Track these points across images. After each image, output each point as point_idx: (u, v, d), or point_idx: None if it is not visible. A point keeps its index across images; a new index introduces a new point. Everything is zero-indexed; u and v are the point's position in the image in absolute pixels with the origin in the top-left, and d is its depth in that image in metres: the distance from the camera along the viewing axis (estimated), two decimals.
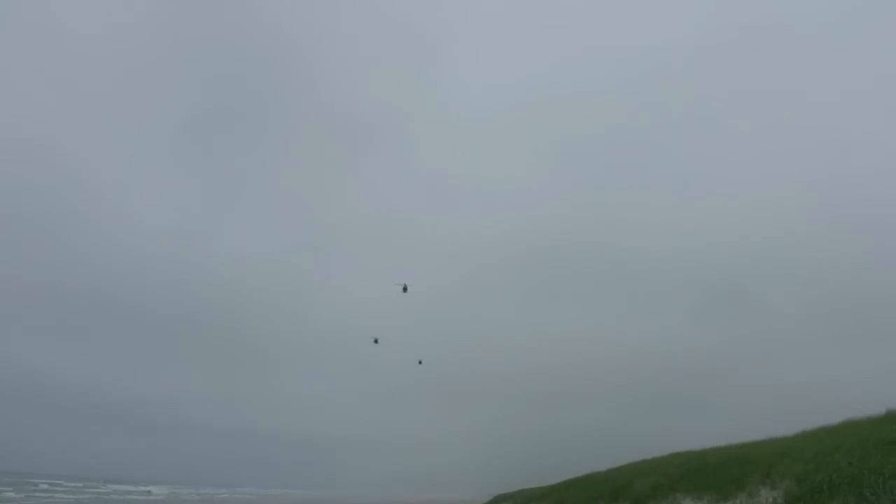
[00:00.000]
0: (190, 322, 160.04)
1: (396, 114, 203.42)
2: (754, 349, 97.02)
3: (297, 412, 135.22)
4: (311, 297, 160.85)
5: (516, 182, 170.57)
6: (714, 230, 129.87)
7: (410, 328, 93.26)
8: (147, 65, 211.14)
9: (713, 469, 24.50)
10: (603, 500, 31.80)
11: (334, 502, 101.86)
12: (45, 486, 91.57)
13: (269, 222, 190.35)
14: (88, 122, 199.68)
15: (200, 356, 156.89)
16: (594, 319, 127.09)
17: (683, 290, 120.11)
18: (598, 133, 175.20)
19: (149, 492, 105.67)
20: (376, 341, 62.23)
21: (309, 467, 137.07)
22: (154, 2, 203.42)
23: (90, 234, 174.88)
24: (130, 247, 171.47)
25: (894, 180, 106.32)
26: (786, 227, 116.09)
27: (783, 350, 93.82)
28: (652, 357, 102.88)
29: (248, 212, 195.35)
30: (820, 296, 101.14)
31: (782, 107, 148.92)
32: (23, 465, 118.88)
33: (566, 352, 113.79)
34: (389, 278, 56.80)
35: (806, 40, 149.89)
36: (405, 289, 54.98)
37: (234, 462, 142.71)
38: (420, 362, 67.76)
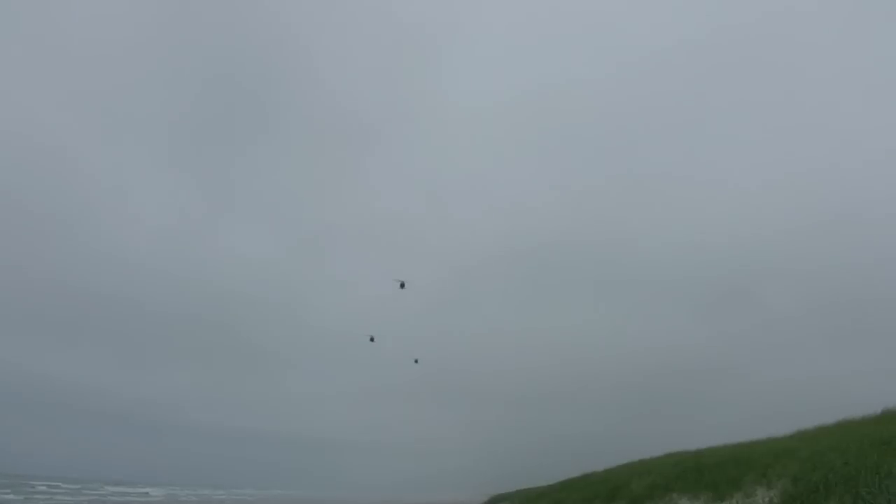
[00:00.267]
0: (188, 322, 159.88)
1: (394, 114, 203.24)
2: (750, 348, 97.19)
3: (296, 413, 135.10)
4: (310, 297, 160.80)
5: (513, 182, 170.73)
6: (709, 228, 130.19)
7: (408, 328, 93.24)
8: (146, 64, 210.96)
9: (709, 469, 24.46)
10: (599, 501, 31.75)
11: None
12: (42, 488, 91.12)
13: (267, 222, 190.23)
14: (86, 122, 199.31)
15: (199, 357, 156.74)
16: (591, 319, 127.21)
17: (679, 289, 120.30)
18: (595, 132, 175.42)
19: (146, 493, 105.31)
20: (372, 339, 61.91)
21: (307, 468, 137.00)
22: (153, 3, 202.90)
23: (88, 234, 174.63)
24: (129, 246, 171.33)
25: (890, 176, 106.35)
26: (781, 225, 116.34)
27: (779, 349, 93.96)
28: (648, 356, 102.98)
29: (246, 212, 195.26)
30: (815, 294, 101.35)
31: (780, 104, 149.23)
32: (19, 467, 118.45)
33: (563, 351, 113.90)
34: (387, 278, 56.20)
35: (803, 36, 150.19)
36: (402, 285, 54.44)
37: (232, 463, 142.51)
38: (416, 361, 67.46)
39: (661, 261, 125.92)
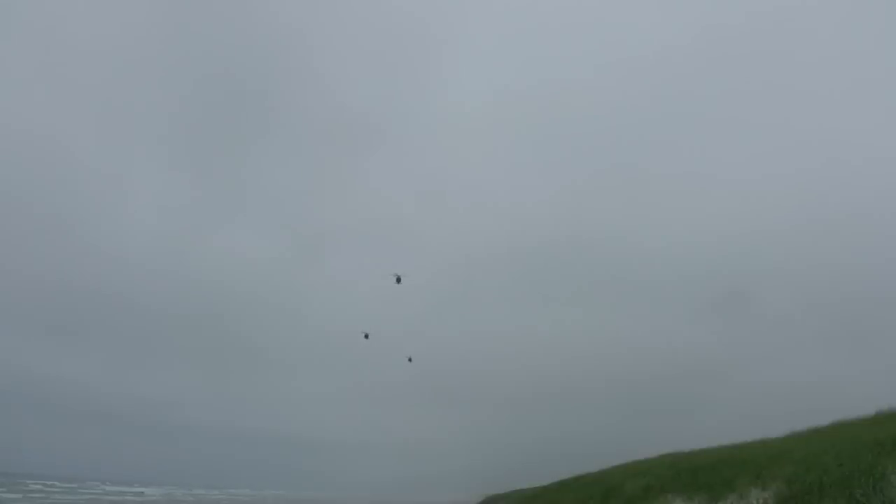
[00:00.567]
0: (185, 322, 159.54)
1: (394, 115, 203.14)
2: (745, 349, 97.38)
3: (293, 412, 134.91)
4: (308, 297, 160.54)
5: (510, 182, 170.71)
6: (704, 230, 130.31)
7: (404, 327, 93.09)
8: (145, 62, 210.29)
9: (704, 470, 24.45)
10: (594, 501, 31.72)
11: None
12: (38, 487, 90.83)
13: (266, 222, 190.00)
14: (84, 120, 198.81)
15: (196, 356, 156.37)
16: (586, 319, 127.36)
17: (675, 290, 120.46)
18: (594, 131, 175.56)
19: (142, 493, 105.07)
20: (366, 336, 61.39)
21: (303, 468, 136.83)
22: (153, 7, 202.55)
23: (87, 233, 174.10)
24: (128, 246, 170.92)
25: (888, 175, 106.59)
26: (775, 224, 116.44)
27: (773, 350, 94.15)
28: (644, 356, 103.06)
29: (245, 211, 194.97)
30: (809, 294, 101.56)
31: (780, 103, 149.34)
32: (15, 466, 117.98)
33: (557, 352, 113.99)
34: (383, 277, 55.57)
35: (804, 35, 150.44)
36: (399, 279, 53.69)
37: (228, 463, 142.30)
38: (410, 359, 67.07)
39: (656, 262, 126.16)
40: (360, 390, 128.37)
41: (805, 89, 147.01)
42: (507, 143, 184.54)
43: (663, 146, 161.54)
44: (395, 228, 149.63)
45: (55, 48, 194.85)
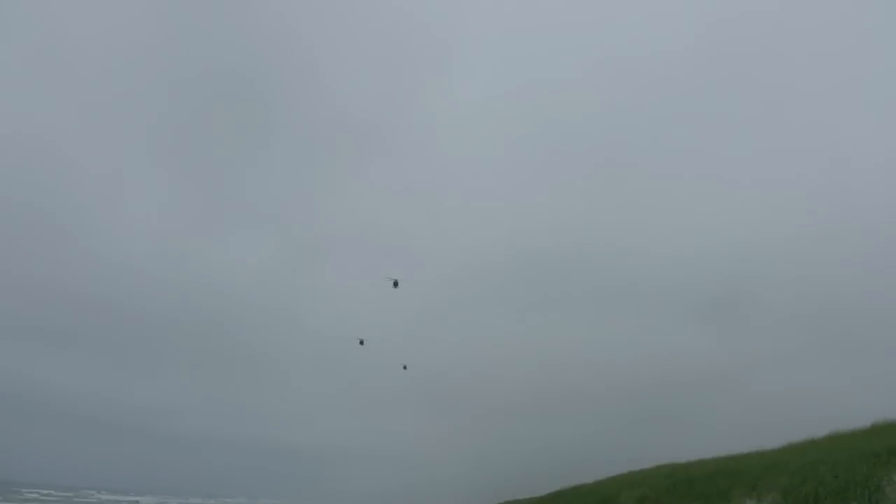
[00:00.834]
0: (181, 329, 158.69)
1: (391, 119, 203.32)
2: (742, 358, 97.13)
3: (288, 420, 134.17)
4: (304, 303, 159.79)
5: (508, 187, 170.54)
6: (703, 235, 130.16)
7: (401, 335, 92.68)
8: (144, 64, 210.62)
9: (700, 481, 24.36)
10: None
11: None
12: (34, 497, 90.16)
13: (262, 227, 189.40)
14: (81, 123, 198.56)
15: (192, 363, 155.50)
16: (583, 327, 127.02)
17: (673, 296, 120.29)
18: (591, 135, 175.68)
19: (137, 502, 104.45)
20: (361, 342, 61.10)
21: (296, 477, 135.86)
22: (149, 5, 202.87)
23: (83, 239, 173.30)
24: (124, 250, 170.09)
25: (887, 186, 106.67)
26: (774, 232, 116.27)
27: (771, 359, 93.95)
28: (640, 366, 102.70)
29: (243, 217, 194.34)
30: (808, 304, 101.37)
31: (781, 105, 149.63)
32: (10, 474, 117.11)
33: (554, 359, 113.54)
34: (380, 281, 55.32)
35: (805, 39, 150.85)
36: (396, 284, 53.39)
37: (224, 471, 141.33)
38: (405, 367, 66.85)
39: (656, 265, 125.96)
40: (357, 397, 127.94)
41: (808, 90, 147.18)
42: (506, 147, 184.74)
43: (664, 148, 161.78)
44: (393, 234, 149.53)
45: (51, 48, 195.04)
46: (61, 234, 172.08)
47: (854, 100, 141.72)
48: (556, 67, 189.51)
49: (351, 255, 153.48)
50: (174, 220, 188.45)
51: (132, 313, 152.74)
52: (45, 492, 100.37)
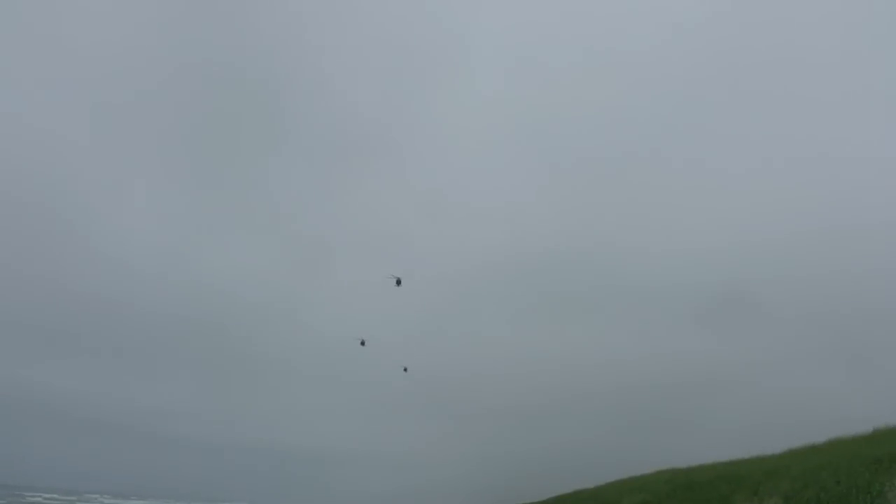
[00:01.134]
0: (185, 331, 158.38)
1: (392, 129, 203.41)
2: (742, 363, 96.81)
3: (290, 423, 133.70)
4: (306, 307, 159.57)
5: (511, 192, 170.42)
6: (706, 235, 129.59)
7: (401, 337, 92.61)
8: (148, 66, 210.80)
9: (701, 486, 24.33)
10: None
11: None
12: (37, 501, 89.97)
13: (265, 232, 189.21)
14: (84, 123, 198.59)
15: (195, 365, 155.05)
16: (584, 329, 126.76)
17: (674, 301, 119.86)
18: (595, 141, 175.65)
19: None
20: (363, 343, 60.79)
21: (299, 479, 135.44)
22: (152, 11, 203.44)
23: (84, 239, 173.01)
24: (126, 253, 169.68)
25: (891, 188, 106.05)
26: (778, 233, 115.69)
27: (770, 364, 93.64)
28: (641, 369, 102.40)
29: (244, 219, 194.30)
30: (810, 307, 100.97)
31: (784, 110, 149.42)
32: (12, 478, 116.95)
33: (555, 362, 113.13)
34: (384, 278, 54.81)
35: (809, 43, 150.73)
36: (399, 282, 52.85)
37: (227, 474, 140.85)
38: (405, 370, 66.57)
39: (658, 266, 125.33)
40: (358, 400, 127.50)
41: (812, 90, 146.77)
42: (508, 150, 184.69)
43: (665, 148, 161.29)
44: (395, 238, 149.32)
45: (60, 49, 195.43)
46: (66, 234, 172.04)
47: (859, 100, 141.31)
48: (558, 70, 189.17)
49: (353, 257, 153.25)
50: (178, 221, 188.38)
51: (135, 315, 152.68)
52: (48, 496, 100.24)
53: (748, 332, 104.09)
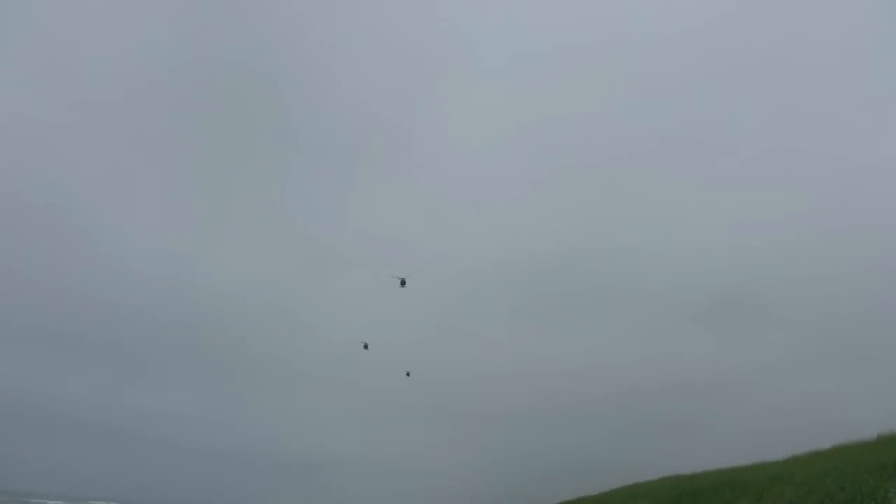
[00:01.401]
0: (189, 338, 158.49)
1: (397, 133, 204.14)
2: (746, 367, 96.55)
3: (293, 429, 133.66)
4: (310, 313, 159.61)
5: (514, 199, 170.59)
6: (711, 238, 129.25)
7: (405, 345, 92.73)
8: (154, 71, 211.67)
9: (705, 493, 24.23)
10: None
11: None
12: None
13: (268, 237, 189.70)
14: (90, 128, 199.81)
15: (201, 372, 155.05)
16: (587, 337, 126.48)
17: (678, 305, 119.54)
18: (598, 143, 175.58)
19: None
20: (366, 346, 60.91)
21: (301, 486, 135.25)
22: (155, 18, 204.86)
23: (89, 245, 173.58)
24: (131, 258, 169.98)
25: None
26: (783, 236, 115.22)
27: (774, 369, 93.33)
28: (644, 376, 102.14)
29: (246, 227, 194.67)
30: (812, 311, 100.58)
31: (790, 106, 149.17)
32: (17, 484, 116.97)
33: (557, 370, 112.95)
34: (387, 285, 54.77)
35: (815, 45, 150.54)
36: (403, 283, 52.91)
37: (228, 481, 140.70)
38: (408, 374, 66.64)
39: (661, 269, 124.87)
40: (361, 406, 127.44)
41: (818, 92, 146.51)
42: (514, 154, 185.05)
43: (667, 151, 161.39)
44: (399, 241, 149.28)
45: (59, 48, 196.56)
46: (69, 240, 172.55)
47: (866, 102, 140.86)
48: (563, 74, 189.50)
49: (357, 260, 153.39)
50: (183, 225, 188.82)
51: (140, 321, 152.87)
52: (52, 502, 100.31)
53: (752, 335, 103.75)
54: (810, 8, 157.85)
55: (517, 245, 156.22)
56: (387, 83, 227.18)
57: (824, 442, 25.12)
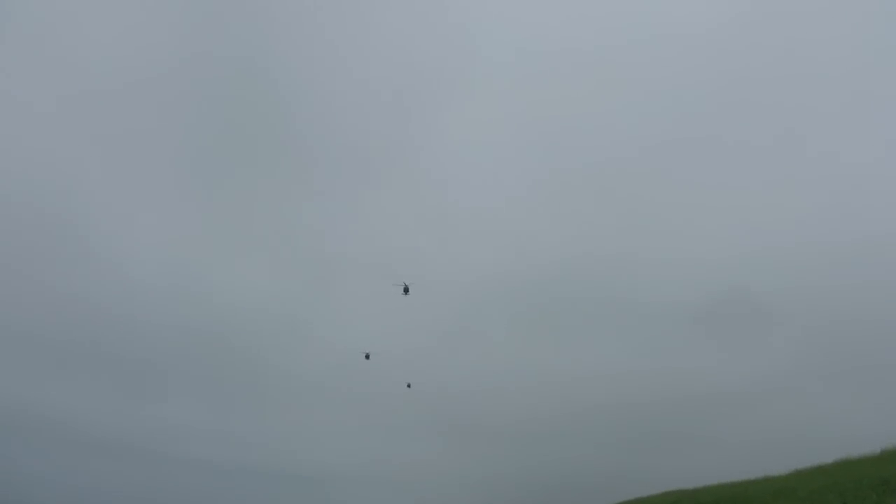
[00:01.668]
0: (191, 352, 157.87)
1: (400, 146, 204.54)
2: (748, 384, 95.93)
3: (296, 444, 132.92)
4: (312, 330, 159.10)
5: (515, 213, 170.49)
6: (714, 251, 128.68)
7: (407, 360, 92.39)
8: (157, 86, 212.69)
9: None
10: None
11: None
12: None
13: (272, 252, 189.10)
14: (91, 139, 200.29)
15: (199, 389, 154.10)
16: (589, 350, 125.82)
17: (679, 324, 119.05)
18: (601, 158, 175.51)
19: None
20: (367, 356, 60.81)
21: (301, 501, 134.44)
22: (158, 31, 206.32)
23: (90, 259, 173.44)
24: (132, 271, 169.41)
25: None
26: (788, 251, 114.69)
27: (777, 382, 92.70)
28: (644, 391, 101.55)
29: (250, 241, 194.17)
30: (816, 326, 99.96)
31: (792, 118, 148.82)
32: (8, 497, 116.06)
33: (560, 385, 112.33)
34: (392, 285, 54.61)
35: (817, 51, 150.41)
36: (406, 290, 52.94)
37: (231, 496, 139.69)
38: (409, 385, 66.41)
39: (665, 280, 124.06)
40: (363, 421, 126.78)
41: (823, 100, 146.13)
42: (516, 169, 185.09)
43: (673, 156, 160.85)
44: (403, 257, 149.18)
45: (66, 66, 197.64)
46: (65, 243, 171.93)
47: (870, 109, 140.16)
48: (567, 85, 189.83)
49: (360, 273, 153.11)
50: (186, 238, 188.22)
51: (141, 333, 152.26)
52: None
53: (756, 347, 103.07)
54: (816, 15, 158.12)
55: (518, 255, 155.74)
56: (390, 96, 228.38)
57: (827, 456, 24.96)
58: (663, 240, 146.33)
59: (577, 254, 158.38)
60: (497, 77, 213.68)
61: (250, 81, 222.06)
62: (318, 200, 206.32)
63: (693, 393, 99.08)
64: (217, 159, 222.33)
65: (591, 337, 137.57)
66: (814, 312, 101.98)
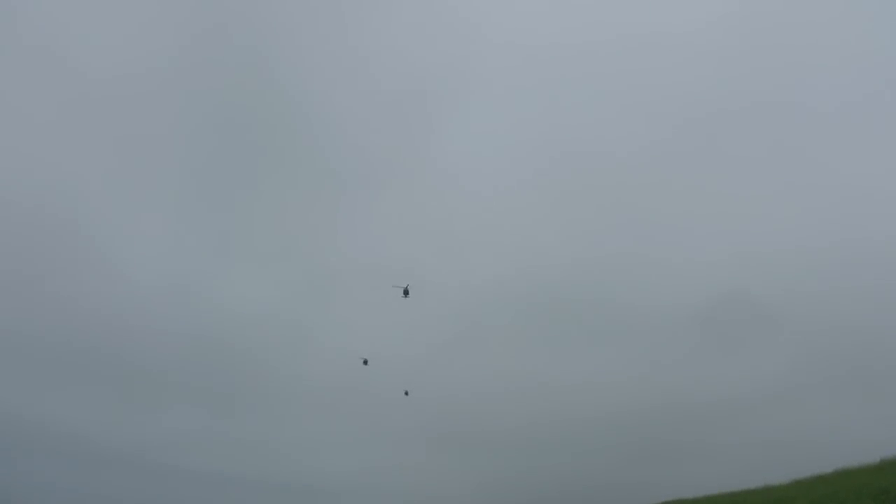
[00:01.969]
0: (188, 367, 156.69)
1: (401, 162, 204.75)
2: (749, 393, 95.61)
3: (294, 457, 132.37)
4: (313, 342, 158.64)
5: (520, 226, 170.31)
6: (712, 265, 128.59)
7: (409, 374, 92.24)
8: (157, 98, 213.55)
9: None
10: None
11: None
12: None
13: (272, 263, 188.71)
14: (92, 151, 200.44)
15: (201, 397, 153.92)
16: (589, 364, 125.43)
17: (677, 334, 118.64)
18: (604, 168, 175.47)
19: None
20: (365, 362, 60.54)
21: None
22: (159, 44, 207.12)
23: (89, 269, 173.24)
24: (132, 283, 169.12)
25: None
26: (790, 260, 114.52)
27: (777, 396, 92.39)
28: (644, 400, 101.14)
29: (250, 251, 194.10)
30: (815, 335, 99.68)
31: (794, 120, 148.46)
32: None
33: (559, 393, 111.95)
34: (392, 288, 54.32)
35: (820, 54, 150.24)
36: (406, 292, 52.76)
37: None
38: (406, 393, 66.06)
39: (666, 289, 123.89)
40: (361, 430, 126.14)
41: (825, 104, 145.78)
42: (519, 180, 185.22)
43: (676, 165, 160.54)
44: (404, 268, 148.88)
45: (66, 72, 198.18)
46: (74, 256, 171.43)
47: (872, 112, 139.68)
48: (568, 95, 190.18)
49: (362, 285, 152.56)
50: (188, 249, 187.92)
51: (142, 341, 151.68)
52: None
53: (757, 356, 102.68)
54: (819, 19, 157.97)
55: (519, 262, 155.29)
56: (393, 108, 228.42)
57: (827, 466, 24.88)
58: (664, 247, 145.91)
59: (578, 261, 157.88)
60: (500, 83, 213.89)
61: (254, 88, 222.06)
62: (321, 207, 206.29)
63: (693, 402, 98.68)
64: (219, 166, 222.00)
65: (591, 345, 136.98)
66: (815, 319, 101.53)
